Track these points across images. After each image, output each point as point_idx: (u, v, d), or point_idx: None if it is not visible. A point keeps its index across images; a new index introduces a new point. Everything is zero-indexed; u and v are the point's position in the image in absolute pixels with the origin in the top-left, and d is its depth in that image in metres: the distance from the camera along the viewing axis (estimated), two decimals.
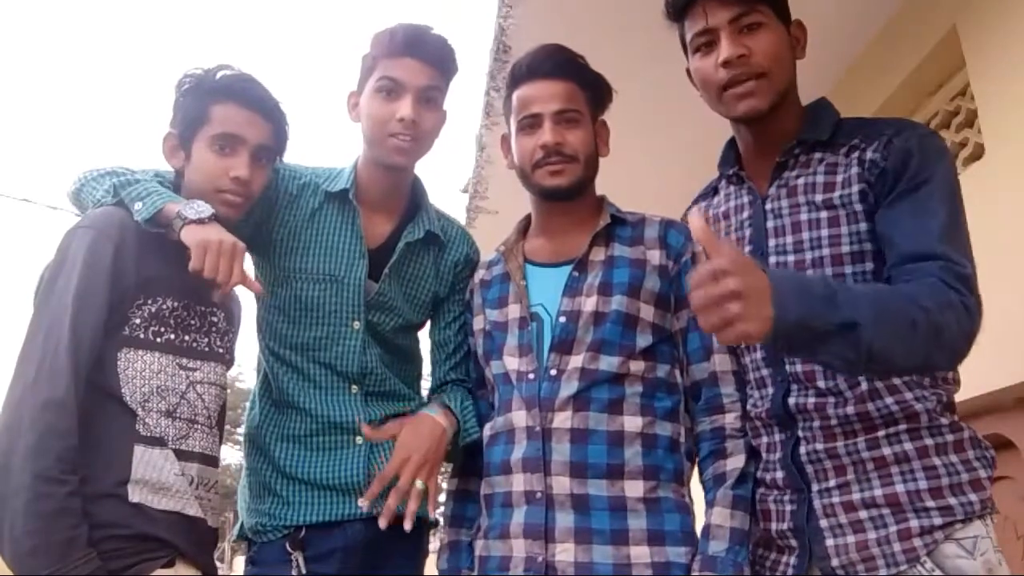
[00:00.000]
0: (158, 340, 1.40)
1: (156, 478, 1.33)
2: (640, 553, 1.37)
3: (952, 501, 1.25)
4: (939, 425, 1.31)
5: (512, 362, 1.53)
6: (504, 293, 1.61)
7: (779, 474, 1.39)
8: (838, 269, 1.36)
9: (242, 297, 1.66)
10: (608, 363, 1.46)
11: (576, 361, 1.48)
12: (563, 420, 1.44)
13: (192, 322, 1.45)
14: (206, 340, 1.47)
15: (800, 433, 1.36)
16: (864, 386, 1.32)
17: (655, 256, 1.54)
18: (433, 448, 1.51)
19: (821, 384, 1.34)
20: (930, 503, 1.26)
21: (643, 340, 1.49)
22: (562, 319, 1.51)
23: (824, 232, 1.38)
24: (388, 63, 1.57)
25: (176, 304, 1.42)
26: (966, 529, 1.24)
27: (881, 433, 1.31)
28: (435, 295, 1.71)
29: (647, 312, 1.50)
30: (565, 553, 1.38)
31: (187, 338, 1.44)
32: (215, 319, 1.50)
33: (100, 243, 1.36)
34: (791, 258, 1.40)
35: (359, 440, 1.57)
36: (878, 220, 1.34)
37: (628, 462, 1.42)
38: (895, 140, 1.35)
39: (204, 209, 1.39)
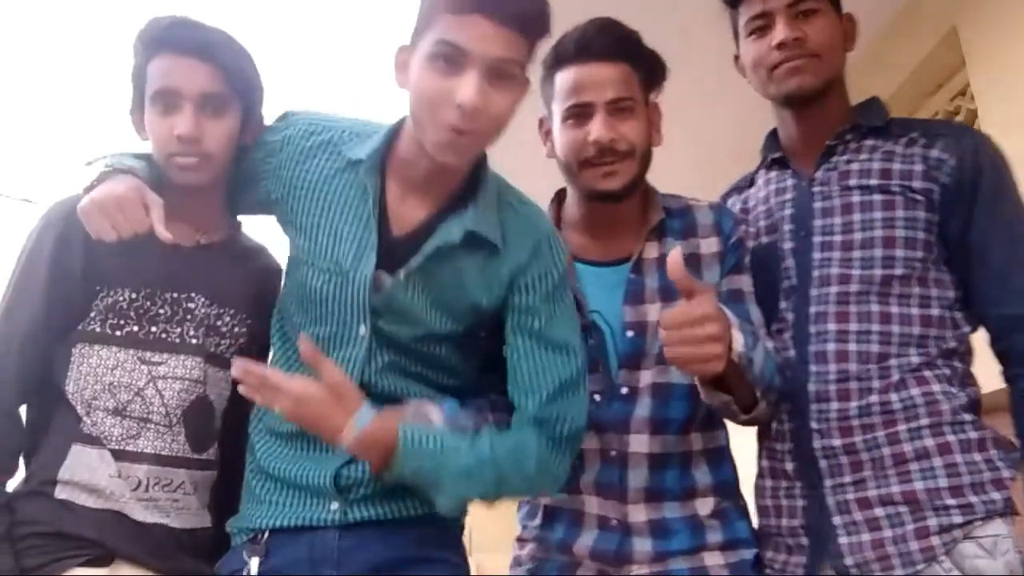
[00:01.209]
0: (117, 334, 1.27)
1: (87, 479, 1.23)
2: (715, 557, 1.35)
3: (973, 499, 1.23)
4: (962, 422, 1.28)
5: None
6: None
7: (789, 465, 1.37)
8: (888, 252, 1.34)
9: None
10: (679, 375, 1.34)
11: (647, 377, 1.37)
12: (639, 444, 1.35)
13: (160, 311, 1.29)
14: (178, 331, 1.30)
15: (814, 425, 1.33)
16: (895, 376, 1.30)
17: (712, 244, 1.42)
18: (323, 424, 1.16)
19: (852, 367, 1.32)
20: (950, 501, 1.23)
21: None
22: (630, 333, 1.37)
23: (878, 214, 1.36)
24: (450, 20, 1.12)
25: (136, 295, 1.28)
26: (986, 527, 1.22)
27: (902, 428, 1.28)
28: (475, 306, 1.26)
29: None
30: (641, 569, 1.34)
31: (154, 329, 1.29)
32: (191, 305, 1.31)
33: (43, 236, 1.27)
34: (839, 238, 1.38)
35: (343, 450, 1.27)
36: (952, 224, 1.34)
37: (699, 482, 1.38)
38: (963, 141, 1.36)
39: (92, 176, 1.24)
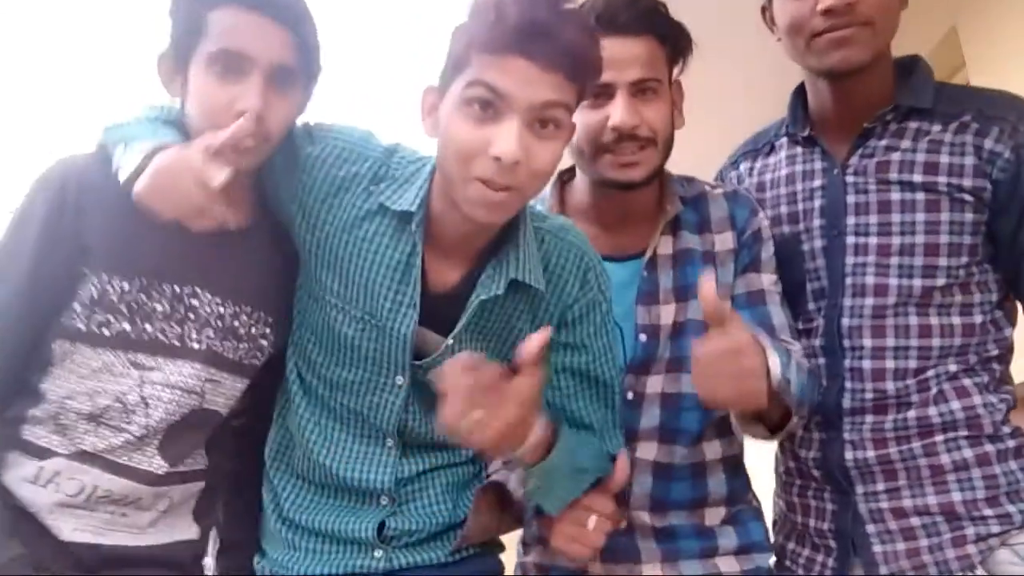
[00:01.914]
0: (105, 333, 1.07)
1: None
2: (729, 563, 1.29)
3: (1011, 508, 1.20)
4: (1001, 434, 1.24)
5: None
6: None
7: (816, 472, 1.31)
8: (931, 260, 1.23)
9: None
10: (691, 383, 1.23)
11: (655, 383, 1.28)
12: (647, 451, 1.28)
13: (157, 307, 1.09)
14: (178, 331, 1.10)
15: (846, 436, 1.27)
16: (933, 390, 1.24)
17: (726, 240, 1.31)
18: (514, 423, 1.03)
19: (889, 386, 1.25)
20: (987, 511, 1.20)
21: None
22: (643, 336, 1.27)
23: (920, 217, 1.24)
24: (487, 61, 0.99)
25: (129, 285, 1.07)
26: (1022, 535, 1.19)
27: (939, 438, 1.23)
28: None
29: None
30: (651, 568, 1.27)
31: (148, 328, 1.09)
32: (194, 302, 1.11)
33: (36, 199, 1.08)
34: (874, 240, 1.26)
35: (384, 501, 1.19)
36: (1003, 222, 1.23)
37: (712, 492, 1.30)
38: (1022, 128, 1.21)
39: (137, 153, 1.04)
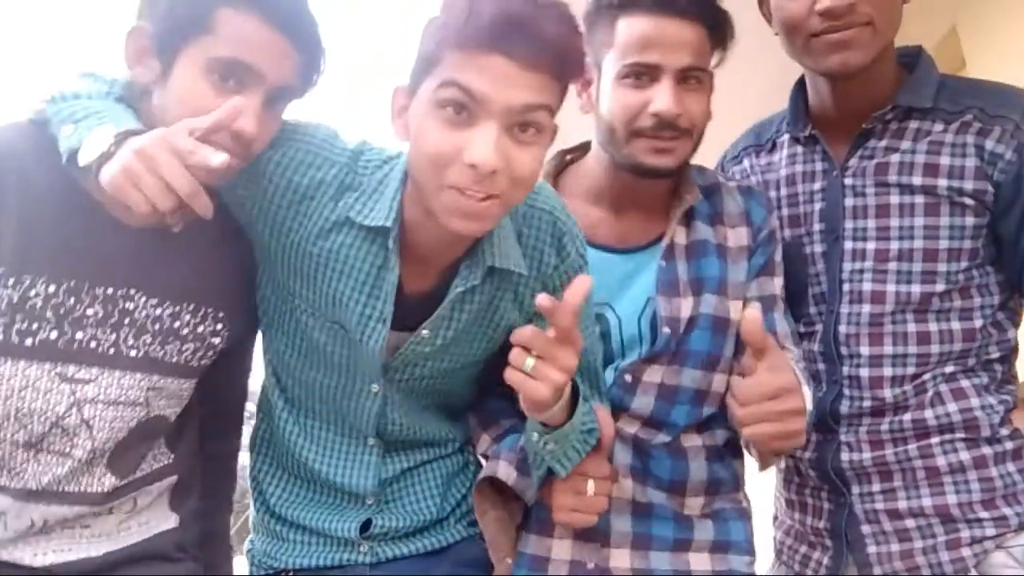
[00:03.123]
0: (27, 343, 0.95)
1: None
2: (701, 560, 1.23)
3: (1007, 511, 1.19)
4: (1000, 436, 1.22)
5: None
6: None
7: (812, 472, 1.30)
8: (930, 266, 1.20)
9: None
10: (691, 378, 1.22)
11: (655, 373, 1.22)
12: (628, 426, 1.23)
13: (88, 312, 0.98)
14: (112, 337, 1.00)
15: (843, 438, 1.26)
16: (930, 392, 1.22)
17: (740, 235, 1.26)
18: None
19: (886, 393, 1.23)
20: (983, 514, 1.19)
21: (729, 348, 1.23)
22: (666, 330, 1.20)
23: (919, 221, 1.20)
24: (461, 59, 0.91)
25: (55, 288, 0.96)
26: (1018, 537, 1.18)
27: (935, 440, 1.22)
28: (509, 328, 1.08)
29: (736, 312, 1.23)
30: (620, 559, 1.20)
31: (79, 336, 0.98)
32: (129, 305, 1.01)
33: None
34: (871, 245, 1.23)
35: (369, 501, 1.19)
36: (1005, 224, 1.20)
37: (692, 476, 1.24)
38: None
39: (104, 136, 0.90)
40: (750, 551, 1.26)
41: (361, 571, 1.17)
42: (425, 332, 1.08)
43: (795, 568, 1.35)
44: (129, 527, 1.09)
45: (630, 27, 1.16)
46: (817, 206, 1.29)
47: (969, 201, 1.19)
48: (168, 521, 1.13)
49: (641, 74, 1.16)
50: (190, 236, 1.02)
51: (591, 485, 1.09)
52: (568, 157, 1.34)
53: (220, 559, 1.24)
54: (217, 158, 0.87)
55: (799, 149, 1.34)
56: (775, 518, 1.45)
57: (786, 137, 1.37)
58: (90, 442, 1.01)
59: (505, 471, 1.14)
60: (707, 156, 1.44)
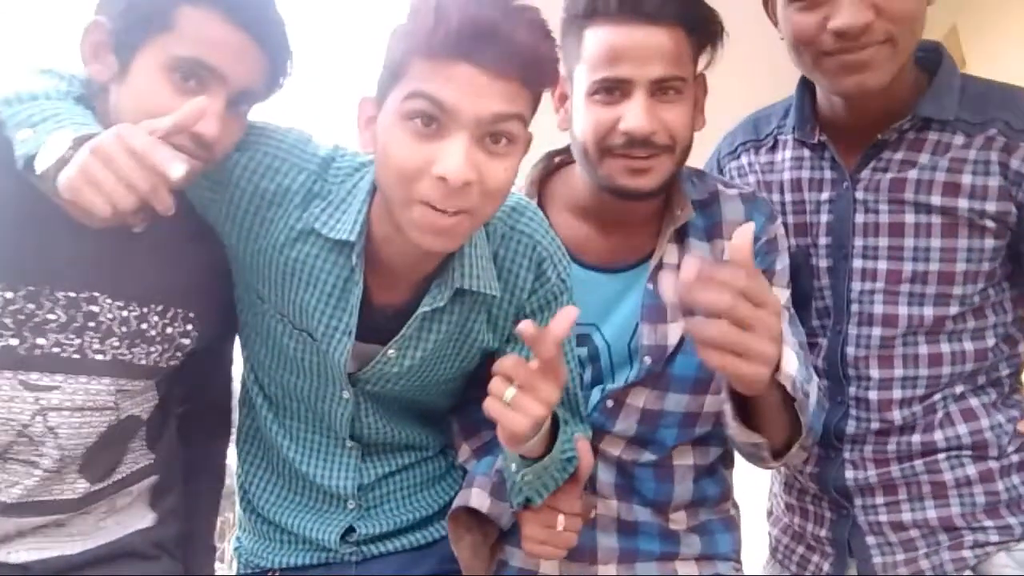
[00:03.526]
0: None
1: None
2: (688, 567, 1.22)
3: (1011, 520, 1.18)
4: (1007, 452, 1.20)
5: None
6: None
7: (812, 486, 1.28)
8: (945, 288, 1.15)
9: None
10: (677, 402, 1.17)
11: (638, 397, 1.17)
12: (612, 446, 1.20)
13: (50, 317, 0.96)
14: (77, 342, 0.98)
15: (847, 456, 1.23)
16: (939, 414, 1.19)
17: None
18: None
19: (895, 415, 1.20)
20: (987, 522, 1.18)
21: None
22: (647, 359, 1.15)
23: (935, 243, 1.14)
24: (428, 68, 0.88)
25: (13, 294, 0.93)
26: (1021, 543, 1.17)
27: (942, 456, 1.19)
28: (482, 349, 1.13)
29: None
30: (607, 569, 1.20)
31: (40, 342, 0.95)
32: (94, 308, 0.98)
33: None
34: (883, 265, 1.17)
35: (350, 505, 1.19)
36: None
37: (677, 496, 1.22)
38: None
39: (62, 141, 0.85)
40: (737, 559, 1.25)
41: (347, 569, 1.19)
42: (391, 352, 1.07)
43: (792, 568, 1.33)
44: (107, 525, 1.08)
45: (596, 38, 1.07)
46: (824, 218, 1.22)
47: (991, 224, 1.12)
48: (146, 519, 1.13)
49: (612, 89, 1.08)
50: (155, 236, 1.01)
51: (561, 520, 1.07)
52: (556, 160, 1.26)
53: (200, 559, 1.25)
54: (176, 170, 0.82)
55: (806, 153, 1.26)
56: (769, 513, 1.43)
57: (790, 136, 1.28)
58: (57, 451, 0.99)
59: (478, 499, 1.12)
60: (707, 156, 1.42)
